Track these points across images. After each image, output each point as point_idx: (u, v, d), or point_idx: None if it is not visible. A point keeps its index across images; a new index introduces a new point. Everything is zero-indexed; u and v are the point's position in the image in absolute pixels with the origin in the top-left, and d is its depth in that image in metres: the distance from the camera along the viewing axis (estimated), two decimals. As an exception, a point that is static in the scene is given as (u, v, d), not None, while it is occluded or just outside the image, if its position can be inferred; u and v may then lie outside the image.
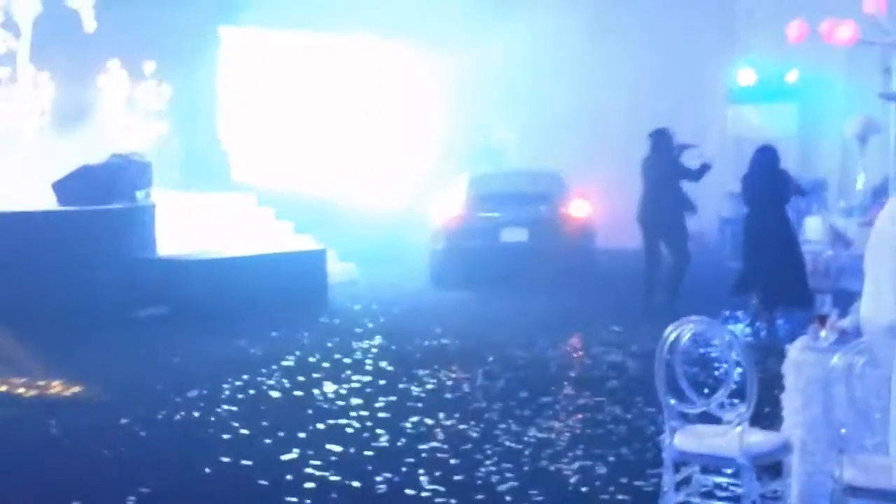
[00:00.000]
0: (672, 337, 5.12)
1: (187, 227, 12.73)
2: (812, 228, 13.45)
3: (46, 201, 11.88)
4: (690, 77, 18.23)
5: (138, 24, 15.82)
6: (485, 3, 18.05)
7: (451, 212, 14.28)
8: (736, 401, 4.98)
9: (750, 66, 18.46)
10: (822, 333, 5.01)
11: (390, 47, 19.17)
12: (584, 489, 5.89)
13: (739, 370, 4.96)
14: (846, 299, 5.06)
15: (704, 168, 11.89)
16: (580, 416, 7.45)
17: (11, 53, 15.57)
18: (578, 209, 14.24)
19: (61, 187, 11.85)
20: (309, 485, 5.99)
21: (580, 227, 14.05)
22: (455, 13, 18.06)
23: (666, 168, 11.74)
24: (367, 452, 6.59)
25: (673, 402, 5.02)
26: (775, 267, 10.71)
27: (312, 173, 18.17)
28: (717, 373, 7.80)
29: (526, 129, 18.70)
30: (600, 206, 14.86)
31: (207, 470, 6.27)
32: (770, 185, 10.71)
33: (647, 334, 9.98)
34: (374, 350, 9.87)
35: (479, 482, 6.01)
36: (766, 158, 10.85)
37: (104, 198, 11.67)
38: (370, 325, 11.15)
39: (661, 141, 11.90)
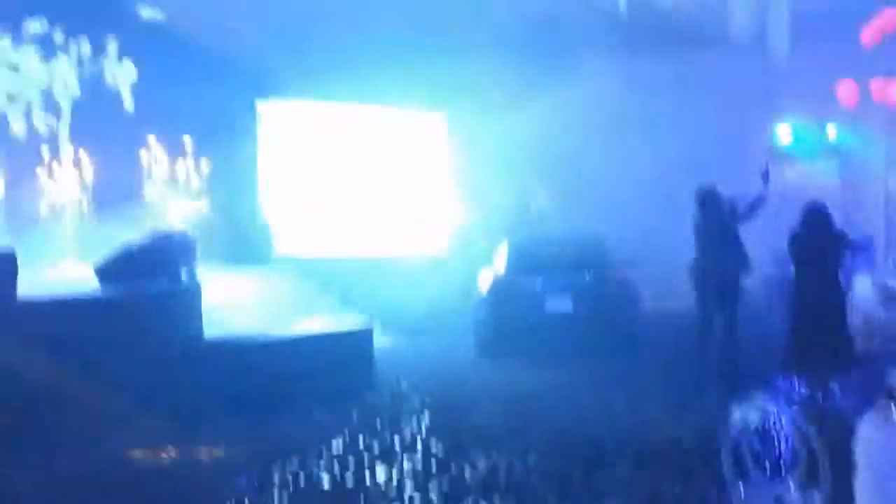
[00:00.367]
0: (737, 417, 4.99)
1: (231, 303, 12.66)
2: (862, 288, 13.18)
3: (89, 282, 11.86)
4: (730, 136, 18.14)
5: (176, 100, 15.96)
6: (523, 68, 18.07)
7: (494, 279, 14.17)
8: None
9: (789, 124, 18.38)
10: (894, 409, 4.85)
11: (429, 117, 19.25)
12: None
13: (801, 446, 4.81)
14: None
15: (758, 202, 11.50)
16: (640, 497, 7.22)
17: (53, 133, 15.76)
18: (623, 276, 14.08)
19: (103, 269, 11.82)
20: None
21: (626, 294, 13.89)
22: (492, 80, 18.12)
23: (720, 224, 11.41)
24: (423, 542, 6.44)
25: (742, 487, 4.87)
26: (826, 333, 10.46)
27: (355, 243, 18.21)
28: (780, 450, 7.56)
29: (564, 193, 18.63)
30: (642, 269, 14.73)
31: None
32: (822, 245, 10.43)
33: (703, 406, 9.81)
34: (424, 429, 9.71)
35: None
36: (817, 216, 10.55)
37: (148, 277, 11.61)
38: (417, 402, 11.00)
39: (711, 200, 11.55)
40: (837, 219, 15.54)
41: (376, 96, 18.19)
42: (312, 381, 10.83)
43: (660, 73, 17.91)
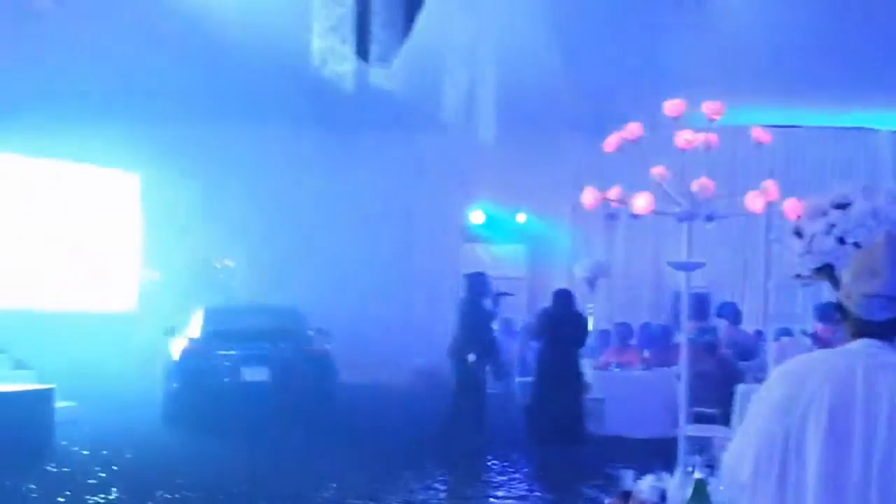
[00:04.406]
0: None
1: None
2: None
3: None
4: (427, 216, 18.60)
5: None
6: (226, 138, 17.83)
7: (188, 347, 13.59)
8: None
9: (481, 208, 19.06)
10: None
11: (123, 177, 18.65)
12: None
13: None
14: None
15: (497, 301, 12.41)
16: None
17: None
18: (321, 347, 13.93)
19: None
20: None
21: (323, 366, 13.73)
22: (188, 147, 17.82)
23: (479, 312, 12.04)
24: None
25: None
26: (564, 406, 11.20)
27: (40, 294, 17.18)
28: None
29: (265, 263, 18.42)
30: (340, 342, 14.68)
31: None
32: (571, 327, 11.45)
33: (408, 483, 9.81)
34: (108, 505, 9.07)
35: None
36: (568, 300, 11.65)
37: None
38: (103, 475, 10.20)
39: (478, 284, 12.18)
40: (524, 301, 16.35)
41: (71, 153, 17.39)
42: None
43: (376, 151, 18.17)
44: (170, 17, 12.85)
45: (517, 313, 17.11)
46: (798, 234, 6.32)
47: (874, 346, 2.60)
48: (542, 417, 11.32)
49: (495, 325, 13.22)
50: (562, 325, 11.45)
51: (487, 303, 12.29)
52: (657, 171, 6.52)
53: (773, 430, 2.60)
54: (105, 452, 11.42)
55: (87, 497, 9.25)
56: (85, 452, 11.46)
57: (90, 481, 9.93)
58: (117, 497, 9.33)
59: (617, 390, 12.94)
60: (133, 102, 16.36)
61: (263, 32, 13.54)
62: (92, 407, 13.91)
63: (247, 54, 14.26)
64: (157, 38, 13.65)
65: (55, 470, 10.45)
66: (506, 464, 11.14)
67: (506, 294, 12.71)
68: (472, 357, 11.75)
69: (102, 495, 9.36)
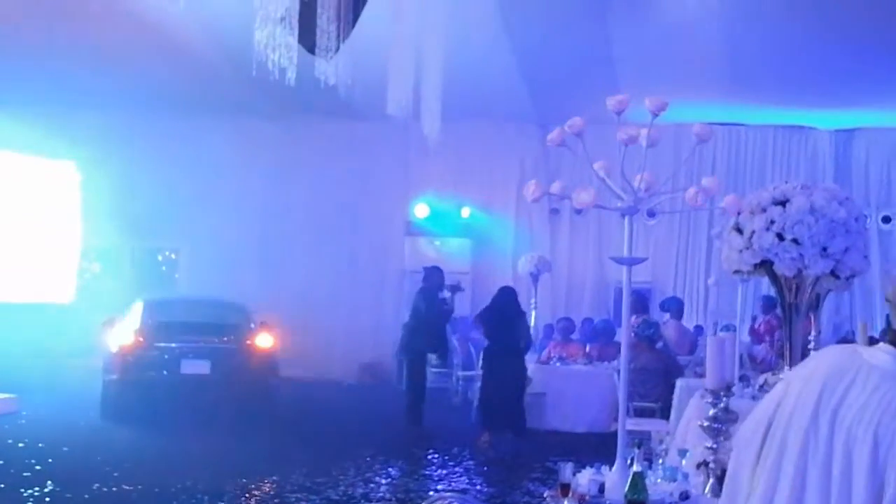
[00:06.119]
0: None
1: None
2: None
3: None
4: (371, 210, 18.54)
5: None
6: (171, 125, 17.65)
7: (125, 340, 13.39)
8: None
9: (425, 202, 18.98)
10: (566, 502, 4.95)
11: (58, 165, 18.28)
12: None
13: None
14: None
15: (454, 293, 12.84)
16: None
17: None
18: (263, 341, 13.81)
19: None
20: None
21: (265, 360, 13.60)
22: (124, 134, 17.64)
23: (431, 304, 12.45)
24: None
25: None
26: (510, 399, 11.45)
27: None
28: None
29: (199, 253, 18.32)
30: (281, 337, 14.58)
31: None
32: (513, 322, 11.63)
33: (348, 476, 9.77)
34: (47, 500, 8.88)
35: None
36: (509, 297, 11.86)
37: None
38: (38, 468, 10.04)
39: (433, 277, 12.67)
40: (469, 294, 16.35)
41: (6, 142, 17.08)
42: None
43: (320, 144, 18.15)
44: (114, 4, 12.68)
45: (461, 307, 17.10)
46: (738, 230, 6.40)
47: (889, 353, 2.42)
48: (492, 412, 11.50)
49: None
50: (505, 320, 11.58)
51: (442, 295, 12.48)
52: (600, 165, 6.50)
53: (765, 410, 2.54)
54: (41, 445, 11.26)
55: (22, 490, 9.10)
56: (21, 445, 11.28)
57: (25, 474, 9.76)
58: (52, 490, 9.18)
59: (558, 385, 13.01)
60: (72, 91, 16.10)
61: (208, 21, 13.40)
62: (29, 399, 13.73)
63: (190, 43, 14.11)
64: (97, 23, 13.45)
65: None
66: (446, 457, 11.16)
67: (459, 288, 12.89)
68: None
69: (38, 488, 9.19)
